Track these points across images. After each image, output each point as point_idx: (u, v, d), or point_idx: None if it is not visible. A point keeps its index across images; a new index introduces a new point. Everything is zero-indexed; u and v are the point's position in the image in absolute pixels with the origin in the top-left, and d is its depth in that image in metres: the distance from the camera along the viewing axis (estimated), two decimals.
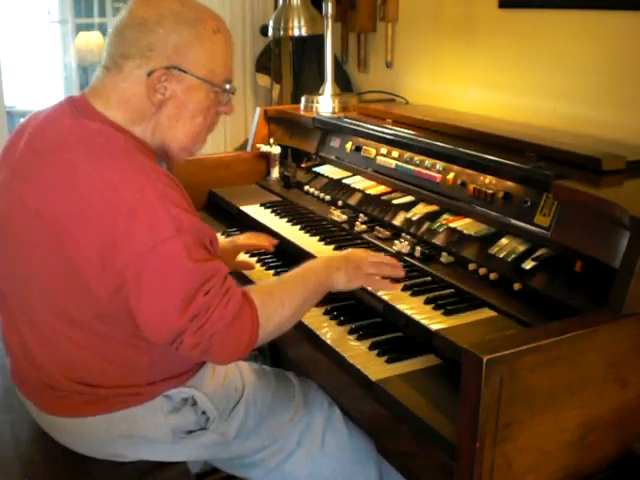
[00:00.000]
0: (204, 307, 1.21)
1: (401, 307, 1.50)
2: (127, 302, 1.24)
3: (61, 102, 1.40)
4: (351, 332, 1.53)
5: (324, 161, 2.36)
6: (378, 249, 1.81)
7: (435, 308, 1.48)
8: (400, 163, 2.00)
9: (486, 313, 1.45)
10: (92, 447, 1.44)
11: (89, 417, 1.39)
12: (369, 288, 1.57)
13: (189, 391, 1.45)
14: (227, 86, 1.40)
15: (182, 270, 1.21)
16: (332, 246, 1.87)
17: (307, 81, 3.08)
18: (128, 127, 1.34)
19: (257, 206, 2.23)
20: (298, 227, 2.03)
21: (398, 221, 1.90)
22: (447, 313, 1.45)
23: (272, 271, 1.88)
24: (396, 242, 1.78)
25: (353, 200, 2.10)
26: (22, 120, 1.46)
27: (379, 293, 1.57)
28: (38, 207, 1.26)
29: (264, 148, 2.49)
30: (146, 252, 1.19)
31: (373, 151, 2.12)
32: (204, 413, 1.48)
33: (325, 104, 2.50)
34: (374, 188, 2.06)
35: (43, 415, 1.45)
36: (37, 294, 1.33)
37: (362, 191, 2.09)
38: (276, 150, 2.47)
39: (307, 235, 1.97)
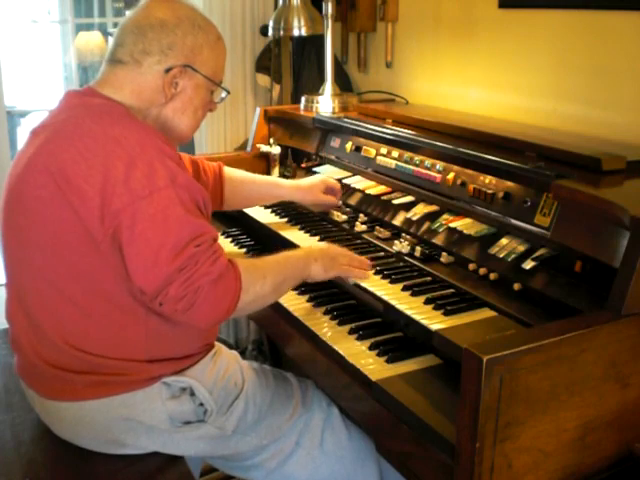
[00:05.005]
0: (193, 259, 1.28)
1: (401, 307, 1.50)
2: (121, 249, 1.30)
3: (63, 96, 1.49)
4: (351, 332, 1.54)
5: (324, 161, 2.36)
6: (378, 249, 1.81)
7: (435, 308, 1.48)
8: (400, 163, 2.00)
9: (486, 313, 1.45)
10: (92, 433, 1.46)
11: (90, 400, 1.42)
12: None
13: (187, 380, 1.48)
14: (224, 86, 1.56)
15: (175, 218, 1.30)
16: None
17: (307, 81, 3.07)
18: (133, 111, 1.43)
19: (257, 206, 2.23)
20: (298, 227, 2.03)
21: (398, 221, 1.90)
22: (447, 313, 1.45)
23: None
24: (396, 242, 1.78)
25: (353, 200, 2.10)
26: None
27: (379, 293, 1.57)
28: (47, 164, 1.33)
29: (264, 148, 2.49)
30: (142, 198, 1.28)
31: (373, 151, 2.12)
32: (202, 405, 1.49)
33: (325, 104, 2.50)
34: (374, 188, 2.06)
35: (45, 403, 1.47)
36: (48, 259, 1.37)
37: (362, 191, 2.09)
38: (276, 150, 2.47)
39: (307, 235, 1.97)
